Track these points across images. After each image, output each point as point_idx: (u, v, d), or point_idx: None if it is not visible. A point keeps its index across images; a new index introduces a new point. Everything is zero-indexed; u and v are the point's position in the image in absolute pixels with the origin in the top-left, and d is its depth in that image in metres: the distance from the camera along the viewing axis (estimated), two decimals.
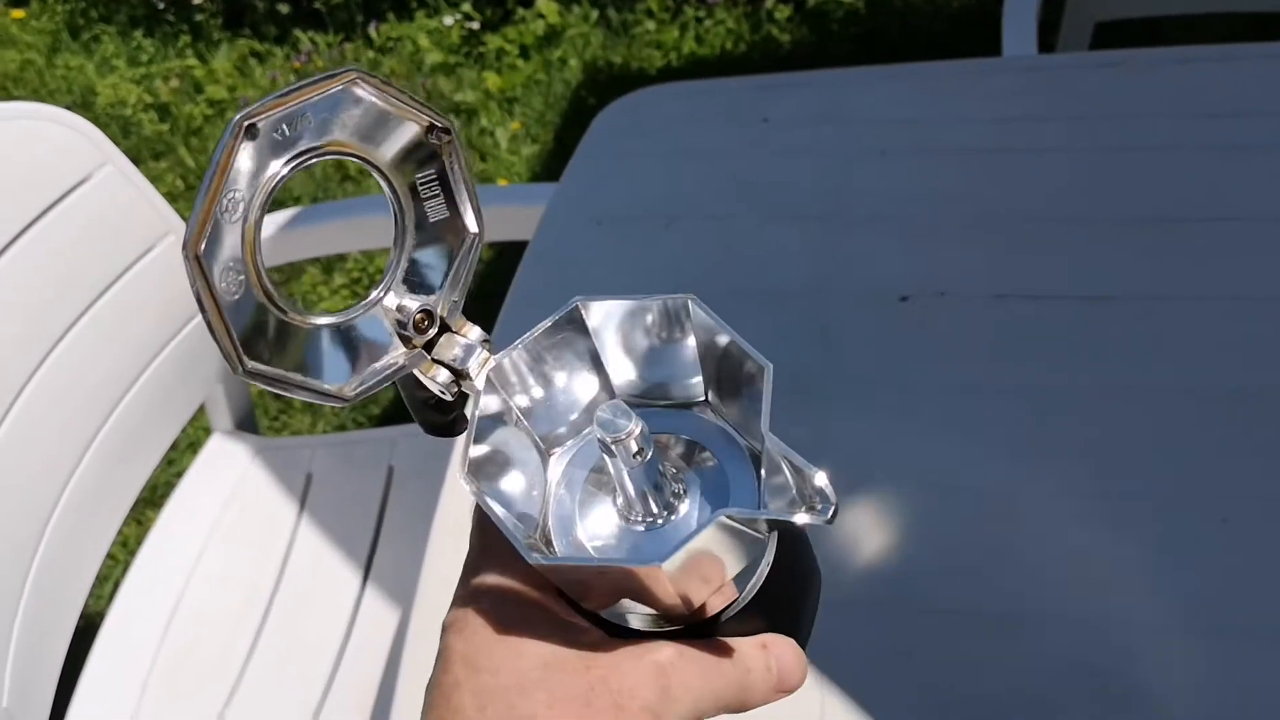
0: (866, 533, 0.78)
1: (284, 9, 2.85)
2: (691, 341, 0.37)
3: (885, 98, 1.24)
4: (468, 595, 0.35)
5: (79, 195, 1.04)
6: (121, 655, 1.11)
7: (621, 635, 0.35)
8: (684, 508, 0.36)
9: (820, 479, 0.31)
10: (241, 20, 2.90)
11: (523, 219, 1.17)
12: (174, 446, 1.22)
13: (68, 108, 1.17)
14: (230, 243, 0.32)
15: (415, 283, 0.37)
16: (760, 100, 1.27)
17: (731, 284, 1.02)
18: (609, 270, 1.07)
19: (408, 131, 0.36)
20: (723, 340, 0.36)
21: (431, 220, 0.37)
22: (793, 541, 0.38)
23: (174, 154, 2.57)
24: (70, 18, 3.01)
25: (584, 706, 0.32)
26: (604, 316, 0.37)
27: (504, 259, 1.97)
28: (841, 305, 0.98)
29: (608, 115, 1.29)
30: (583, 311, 0.37)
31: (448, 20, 2.78)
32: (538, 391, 0.38)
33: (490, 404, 0.36)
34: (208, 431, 1.33)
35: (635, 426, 0.33)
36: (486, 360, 0.37)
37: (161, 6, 2.93)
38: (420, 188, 0.37)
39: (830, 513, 0.31)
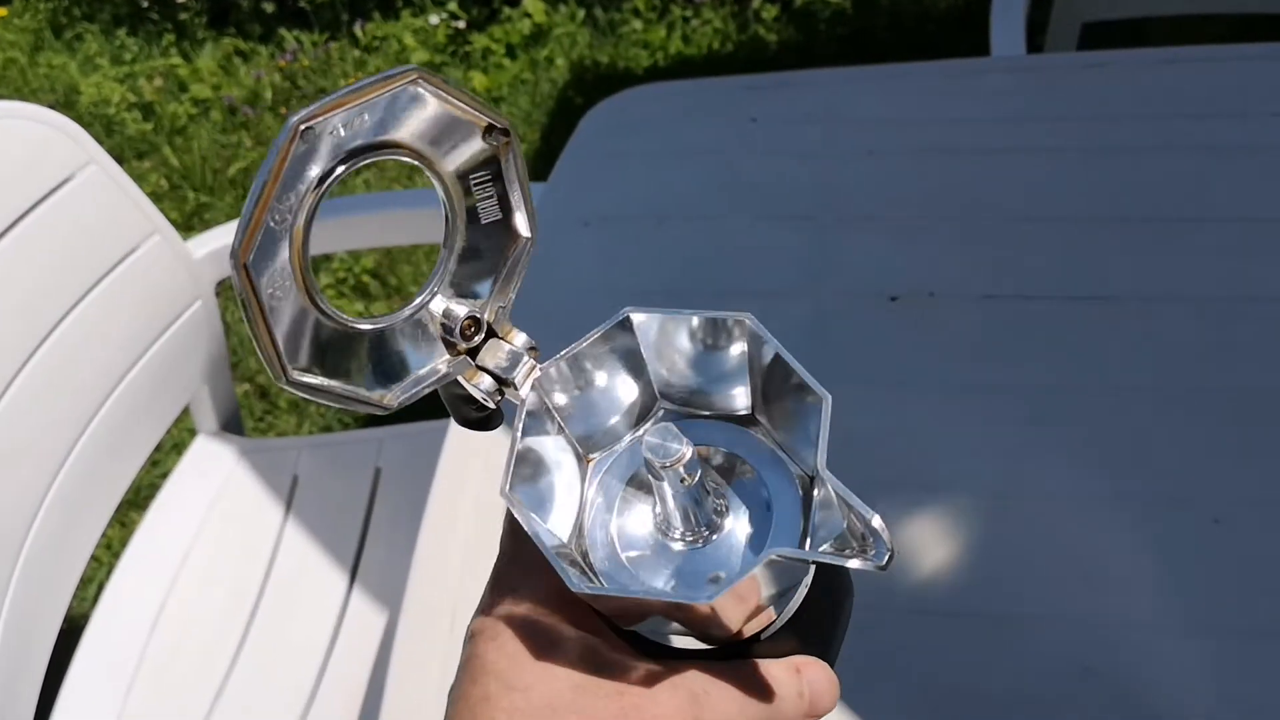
0: None
1: (269, 8, 2.83)
2: (739, 355, 0.36)
3: (873, 98, 1.24)
4: (499, 605, 0.34)
5: (62, 195, 1.03)
6: (106, 657, 1.10)
7: (652, 652, 0.34)
8: (725, 526, 0.35)
9: (876, 522, 0.30)
10: (226, 19, 2.89)
11: None
12: (158, 448, 1.21)
13: (50, 107, 1.16)
14: (277, 249, 0.31)
15: (464, 287, 0.36)
16: (748, 100, 1.27)
17: (720, 284, 1.02)
18: (598, 270, 1.06)
19: (465, 132, 0.34)
20: (777, 367, 0.35)
21: (483, 222, 0.36)
22: (829, 566, 0.37)
23: (158, 153, 2.55)
24: (53, 16, 2.99)
25: None
26: (653, 329, 0.36)
27: None
28: (831, 305, 0.98)
29: (595, 115, 1.29)
30: (633, 323, 0.36)
31: (433, 19, 2.77)
32: (577, 394, 0.37)
33: (532, 418, 0.35)
34: (192, 433, 1.32)
35: (686, 451, 0.32)
36: (533, 369, 0.36)
37: (145, 5, 2.91)
38: (474, 189, 0.35)
39: (885, 559, 0.30)
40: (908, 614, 0.76)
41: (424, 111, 0.33)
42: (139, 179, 2.43)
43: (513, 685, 0.32)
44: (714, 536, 0.35)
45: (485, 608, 0.34)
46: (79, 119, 1.01)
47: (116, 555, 1.21)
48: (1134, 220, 1.02)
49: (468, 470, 0.89)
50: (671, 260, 1.07)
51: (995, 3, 1.45)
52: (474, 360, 0.36)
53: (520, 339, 0.36)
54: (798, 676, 0.35)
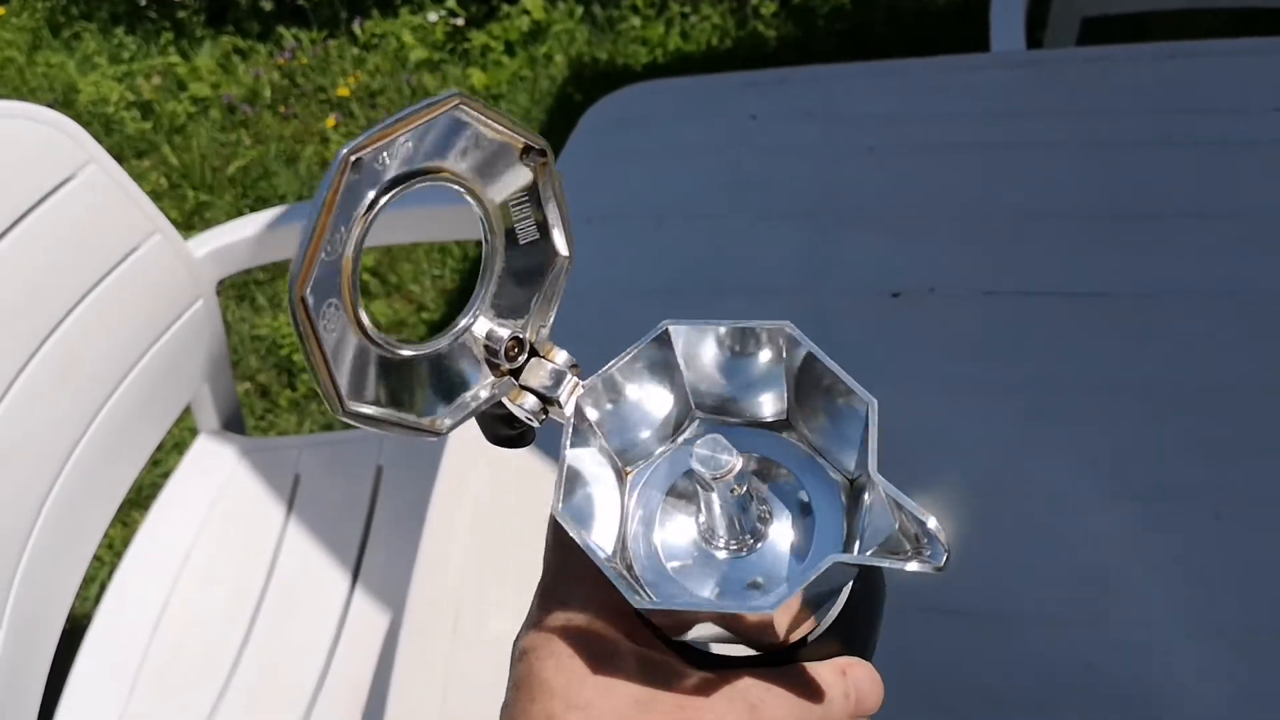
0: None
1: (267, 5, 2.83)
2: (771, 361, 0.36)
3: (873, 94, 1.24)
4: (549, 621, 0.34)
5: (62, 195, 1.03)
6: (109, 657, 1.10)
7: (701, 661, 0.34)
8: (769, 533, 0.35)
9: (932, 524, 0.31)
10: (224, 17, 2.89)
11: None
12: (159, 447, 1.21)
13: (49, 106, 1.16)
14: (330, 279, 0.31)
15: (504, 307, 0.36)
16: (747, 97, 1.27)
17: (721, 282, 1.02)
18: (598, 269, 1.06)
19: (503, 154, 0.34)
20: (806, 363, 0.35)
21: (521, 242, 0.36)
22: (868, 568, 0.37)
23: (157, 152, 2.55)
24: (51, 15, 2.98)
25: None
26: (693, 341, 0.36)
27: None
28: (832, 302, 0.98)
29: (595, 113, 1.28)
30: (671, 337, 0.36)
31: (432, 17, 2.77)
32: (611, 408, 0.37)
33: (576, 435, 0.35)
34: (193, 432, 1.32)
35: (737, 462, 0.32)
36: (576, 387, 0.36)
37: (143, 3, 2.91)
38: (512, 209, 0.35)
39: (943, 560, 0.30)
40: (908, 612, 0.76)
41: (463, 135, 0.33)
42: (138, 178, 2.43)
43: (573, 703, 0.32)
44: (758, 544, 0.35)
45: (535, 623, 0.34)
46: (78, 118, 1.01)
47: (119, 555, 1.21)
48: (1135, 216, 1.02)
49: (470, 469, 0.89)
50: (672, 258, 1.07)
51: None
52: (517, 380, 0.36)
53: (562, 357, 0.36)
54: (844, 678, 0.35)
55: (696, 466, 0.32)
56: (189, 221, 2.38)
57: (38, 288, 1.02)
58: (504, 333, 0.36)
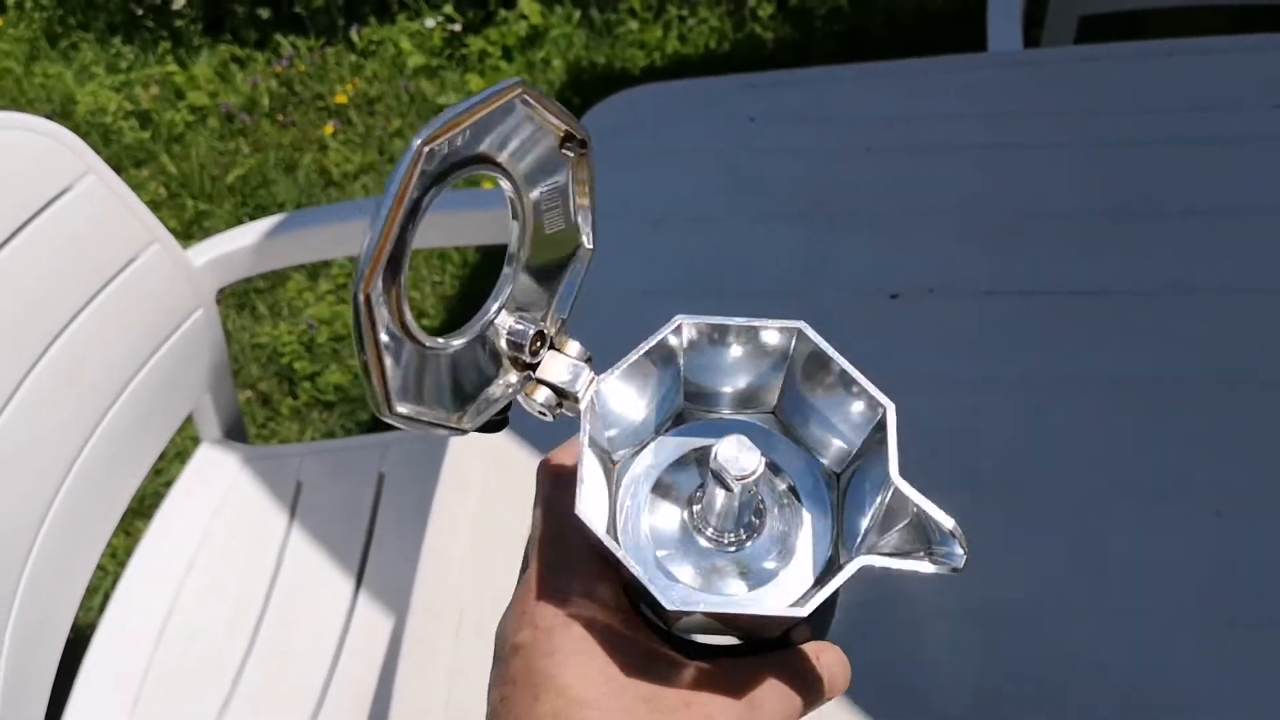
0: None
1: (264, 13, 2.83)
2: (770, 356, 0.36)
3: (871, 95, 1.24)
4: (547, 614, 0.33)
5: (61, 205, 1.03)
6: (114, 666, 1.10)
7: (689, 652, 0.34)
8: (765, 530, 0.35)
9: (953, 527, 0.31)
10: (222, 25, 2.89)
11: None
12: (161, 456, 1.21)
13: (47, 116, 1.16)
14: (385, 277, 0.30)
15: (521, 299, 0.36)
16: (746, 99, 1.27)
17: (721, 284, 1.02)
18: (599, 270, 1.06)
19: (545, 142, 0.34)
20: (823, 365, 0.35)
21: (547, 232, 0.35)
22: None
23: (156, 161, 2.55)
24: (48, 25, 2.99)
25: None
26: (701, 335, 0.36)
27: (490, 262, 1.96)
28: (831, 303, 0.98)
29: (593, 116, 1.29)
30: (684, 332, 0.35)
31: (429, 23, 2.77)
32: (610, 399, 0.36)
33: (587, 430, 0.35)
34: (195, 441, 1.32)
35: (761, 464, 0.32)
36: (591, 381, 0.35)
37: (140, 13, 2.91)
38: (543, 199, 0.35)
39: (962, 562, 0.31)
40: (910, 609, 0.76)
41: (508, 123, 0.32)
42: (137, 187, 2.43)
43: (584, 702, 0.31)
44: (754, 537, 0.35)
45: (529, 617, 0.34)
46: (76, 128, 1.01)
47: (122, 564, 1.21)
48: (1133, 214, 1.02)
49: (472, 474, 0.89)
50: (671, 260, 1.07)
51: None
52: (534, 374, 0.35)
53: (575, 349, 0.36)
54: (819, 663, 0.36)
55: (719, 466, 0.32)
56: (188, 231, 2.38)
57: (37, 299, 1.02)
58: (529, 327, 0.35)
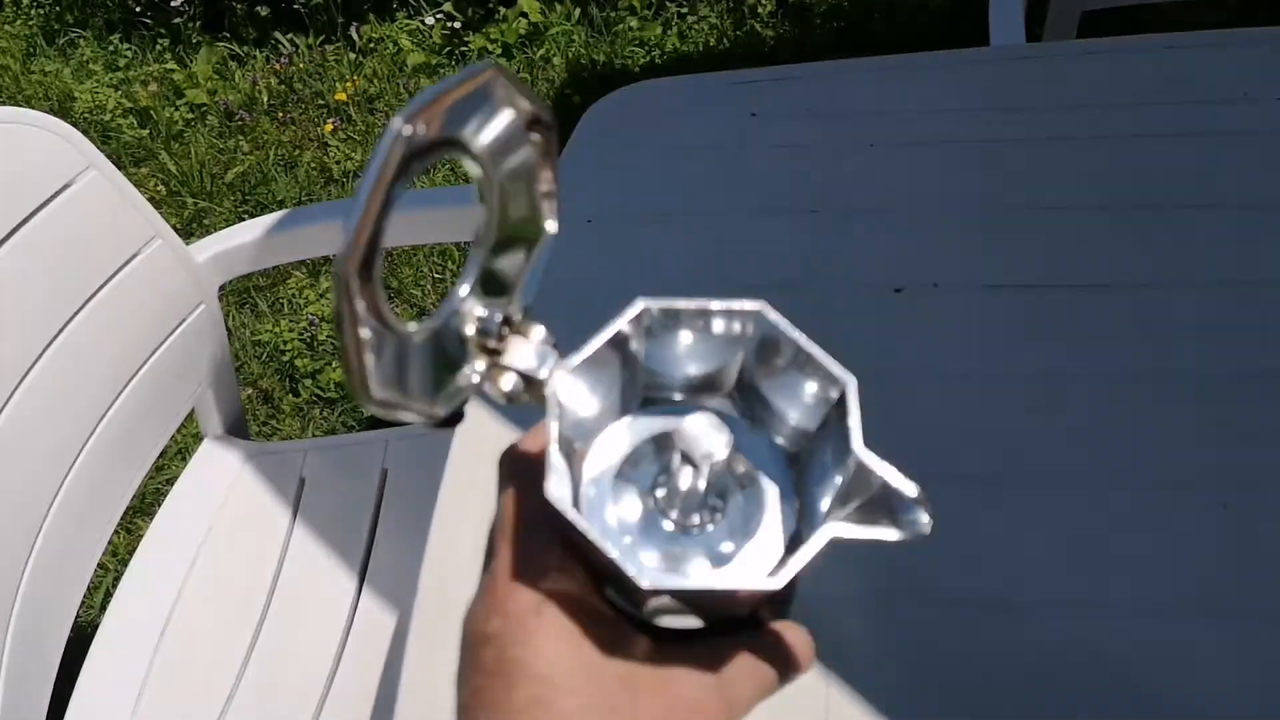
0: None
1: (263, 11, 2.83)
2: (728, 338, 0.36)
3: (873, 90, 1.24)
4: (517, 602, 0.33)
5: (63, 201, 1.02)
6: (116, 664, 1.10)
7: (656, 636, 0.34)
8: (728, 512, 0.35)
9: (916, 493, 0.31)
10: (220, 23, 2.88)
11: None
12: (162, 453, 1.20)
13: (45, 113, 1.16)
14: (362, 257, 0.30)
15: (486, 283, 0.35)
16: (747, 95, 1.27)
17: (724, 279, 1.02)
18: (601, 268, 1.06)
19: (512, 125, 0.33)
20: (783, 345, 0.35)
21: (511, 217, 0.35)
22: None
23: (155, 159, 2.55)
24: (45, 22, 2.98)
25: None
26: (662, 318, 0.35)
27: None
28: (835, 298, 0.98)
29: (595, 113, 1.28)
30: (649, 314, 0.35)
31: (429, 20, 2.76)
32: (600, 405, 0.36)
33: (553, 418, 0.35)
34: (196, 438, 1.32)
35: (729, 440, 0.32)
36: (556, 364, 0.35)
37: (139, 10, 2.90)
38: (509, 183, 0.35)
39: (928, 528, 0.31)
40: (913, 604, 0.76)
41: (480, 107, 0.32)
42: (136, 185, 2.43)
43: (560, 687, 0.31)
44: (718, 519, 0.35)
45: (496, 606, 0.33)
46: (74, 126, 1.00)
47: (123, 562, 1.21)
48: (1137, 208, 1.02)
49: (477, 470, 0.89)
50: (674, 256, 1.07)
51: None
52: (499, 360, 0.35)
53: (539, 333, 0.35)
54: (783, 641, 0.36)
55: (685, 447, 0.32)
56: (188, 228, 2.38)
57: (39, 294, 1.02)
58: (495, 313, 0.35)
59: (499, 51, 2.69)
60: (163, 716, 1.06)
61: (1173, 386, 0.86)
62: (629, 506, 0.35)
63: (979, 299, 0.96)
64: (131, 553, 1.20)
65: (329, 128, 2.57)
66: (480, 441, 0.90)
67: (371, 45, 2.78)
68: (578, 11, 2.74)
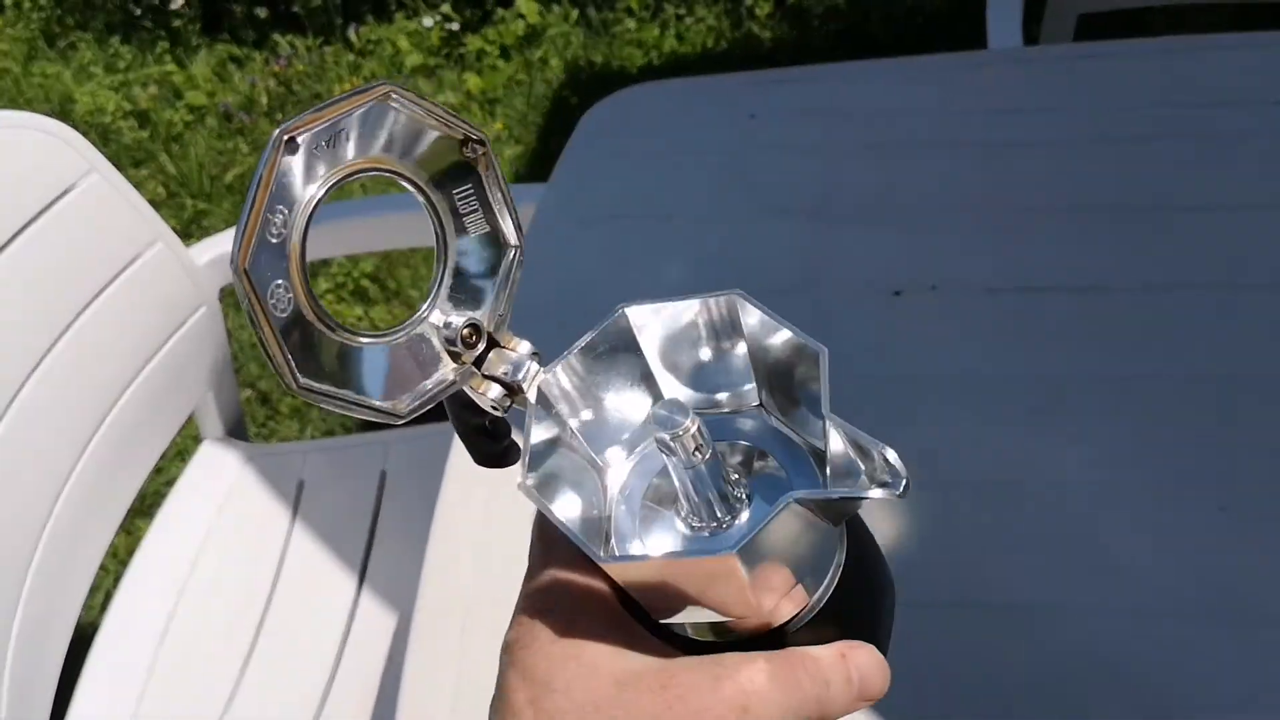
0: None
1: (262, 13, 2.83)
2: (742, 347, 0.36)
3: (872, 92, 1.24)
4: (533, 610, 0.34)
5: (64, 204, 1.03)
6: (117, 665, 1.10)
7: (693, 651, 0.34)
8: (747, 513, 0.35)
9: (890, 455, 0.31)
10: (219, 25, 2.89)
11: None
12: (162, 455, 1.21)
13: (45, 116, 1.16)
14: (276, 261, 0.32)
15: (461, 299, 0.37)
16: (746, 97, 1.27)
17: (723, 282, 1.01)
18: (602, 271, 1.07)
19: (442, 146, 0.35)
20: (772, 338, 0.35)
21: (472, 235, 0.37)
22: (862, 546, 0.37)
23: (155, 161, 2.55)
24: (46, 25, 2.98)
25: None
26: (651, 323, 0.37)
27: None
28: (834, 300, 0.98)
29: (594, 114, 1.29)
30: (629, 319, 0.36)
31: (427, 22, 2.77)
32: (590, 411, 0.37)
33: (543, 426, 0.36)
34: (196, 439, 1.32)
35: (692, 423, 0.32)
36: (538, 373, 0.36)
37: (138, 13, 2.91)
38: (459, 202, 0.36)
39: (902, 487, 0.31)
40: (916, 606, 0.76)
41: (402, 126, 0.34)
42: (136, 187, 2.43)
43: (553, 687, 0.32)
44: (737, 522, 0.35)
45: (520, 615, 0.34)
46: (74, 128, 1.01)
47: (123, 563, 1.21)
48: (1135, 210, 1.02)
49: (478, 472, 0.89)
50: (674, 259, 1.07)
51: None
52: (480, 370, 0.37)
53: (524, 347, 0.37)
54: (844, 661, 0.34)
55: (654, 429, 0.33)
56: (187, 230, 2.38)
57: (41, 297, 1.02)
58: (458, 321, 0.36)
59: (496, 53, 2.69)
60: (164, 717, 1.06)
61: (1172, 388, 0.86)
62: (663, 524, 0.36)
63: (978, 302, 0.96)
64: (132, 554, 1.20)
65: None
66: None
67: (370, 47, 2.79)
68: (575, 13, 2.74)
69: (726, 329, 0.36)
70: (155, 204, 2.41)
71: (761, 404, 0.38)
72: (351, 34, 2.80)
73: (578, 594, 0.34)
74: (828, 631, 0.35)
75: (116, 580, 1.20)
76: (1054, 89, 1.19)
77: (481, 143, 0.36)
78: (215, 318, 1.23)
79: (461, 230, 0.37)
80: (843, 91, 1.26)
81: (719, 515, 0.35)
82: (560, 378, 0.36)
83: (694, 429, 0.33)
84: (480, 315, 0.37)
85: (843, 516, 0.34)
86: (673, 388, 0.38)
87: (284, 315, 0.32)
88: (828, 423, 0.33)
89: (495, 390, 0.37)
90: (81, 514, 1.04)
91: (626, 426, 0.38)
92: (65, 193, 1.03)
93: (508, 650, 0.34)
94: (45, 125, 1.02)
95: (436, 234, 0.36)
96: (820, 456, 0.35)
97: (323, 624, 1.12)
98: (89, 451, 1.05)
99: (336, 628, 1.11)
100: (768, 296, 0.36)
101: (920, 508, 0.81)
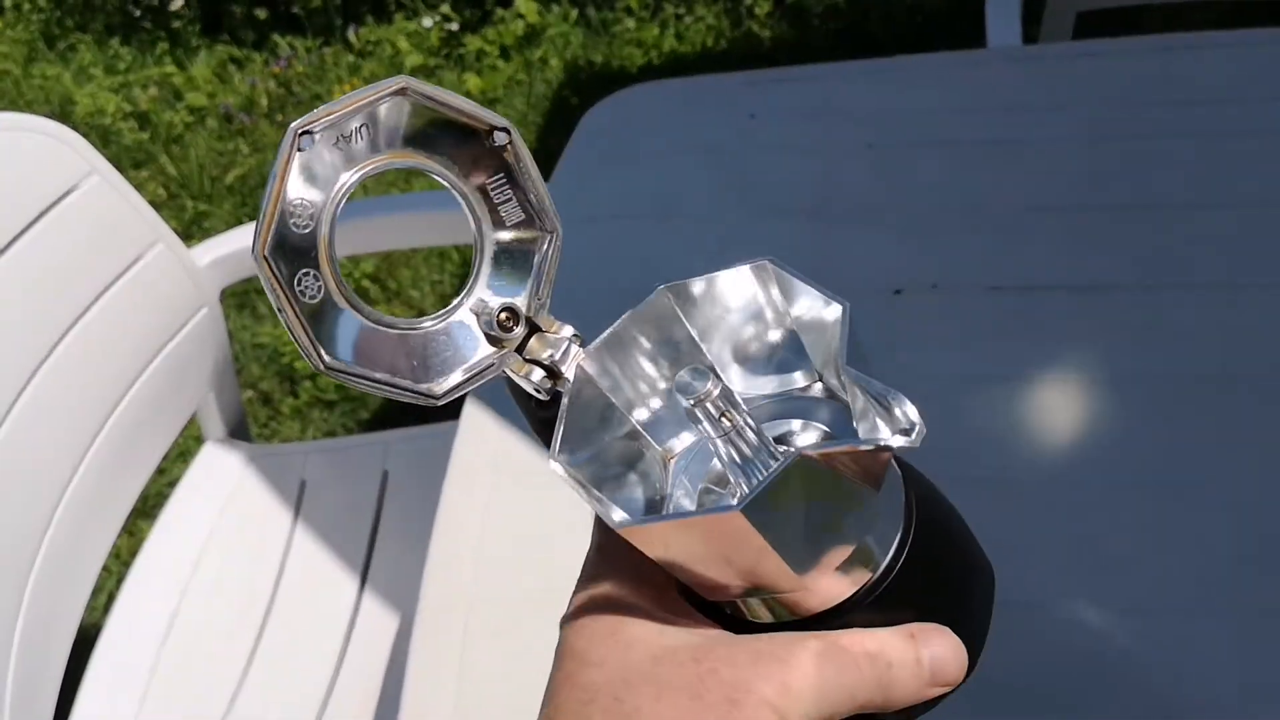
0: None
1: (262, 14, 2.83)
2: (788, 325, 0.36)
3: (871, 91, 1.25)
4: (584, 593, 0.35)
5: (65, 205, 1.03)
6: (120, 666, 1.10)
7: (743, 631, 0.33)
8: None
9: (902, 401, 0.31)
10: (219, 26, 2.89)
11: None
12: (164, 456, 1.21)
13: (46, 118, 1.16)
14: (302, 250, 0.33)
15: (502, 286, 0.38)
16: (746, 96, 1.27)
17: None
18: (602, 269, 1.07)
19: (468, 137, 0.36)
20: (801, 303, 0.35)
21: (509, 222, 0.37)
22: (937, 522, 0.35)
23: (155, 162, 2.55)
24: (46, 26, 2.99)
25: (693, 699, 0.30)
26: (694, 302, 0.36)
27: None
28: None
29: (595, 114, 1.29)
30: (670, 298, 0.36)
31: (427, 22, 2.77)
32: (655, 401, 0.37)
33: (588, 408, 0.36)
34: (198, 441, 1.33)
35: (714, 388, 0.32)
36: (575, 354, 0.36)
37: (138, 14, 2.91)
38: (492, 192, 0.37)
39: (915, 434, 0.30)
40: None
41: (424, 120, 0.35)
42: (137, 189, 2.43)
43: (589, 662, 0.32)
44: None
45: (574, 598, 0.35)
46: (74, 130, 1.01)
47: (125, 564, 1.21)
48: (1134, 208, 1.02)
49: (479, 472, 0.89)
50: (674, 258, 1.07)
51: None
52: (522, 354, 0.37)
53: (565, 330, 0.37)
54: (913, 641, 0.32)
55: (677, 395, 0.33)
56: (188, 231, 2.38)
57: (42, 299, 1.02)
58: (495, 304, 0.37)
59: (496, 53, 2.69)
60: (167, 717, 1.07)
61: (1172, 387, 0.87)
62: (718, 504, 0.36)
63: (978, 301, 0.96)
64: (134, 555, 1.20)
65: None
66: (482, 443, 0.91)
67: (369, 48, 2.79)
68: (575, 13, 2.74)
69: (770, 306, 0.36)
70: (156, 205, 2.41)
71: (821, 379, 0.37)
72: (351, 35, 2.80)
73: (626, 573, 0.34)
74: (901, 615, 0.33)
75: (119, 581, 1.20)
76: (1053, 88, 1.19)
77: (506, 131, 0.36)
78: (216, 319, 1.23)
79: (497, 219, 0.37)
80: (841, 91, 1.26)
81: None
82: (604, 359, 0.36)
83: (715, 394, 0.32)
84: (519, 301, 0.37)
85: (872, 475, 0.32)
86: (731, 375, 0.37)
87: (314, 301, 0.33)
88: (844, 377, 0.32)
89: (537, 373, 0.37)
90: (84, 515, 1.04)
91: (668, 404, 0.38)
92: (66, 195, 1.03)
93: (560, 632, 0.34)
94: (45, 127, 1.02)
95: (473, 224, 0.37)
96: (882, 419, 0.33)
97: (325, 624, 1.12)
98: (91, 453, 1.05)
99: (339, 627, 1.11)
100: None
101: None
